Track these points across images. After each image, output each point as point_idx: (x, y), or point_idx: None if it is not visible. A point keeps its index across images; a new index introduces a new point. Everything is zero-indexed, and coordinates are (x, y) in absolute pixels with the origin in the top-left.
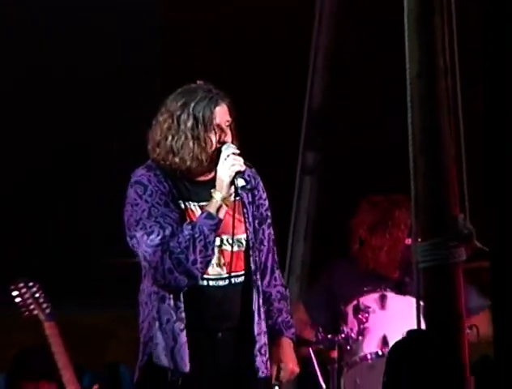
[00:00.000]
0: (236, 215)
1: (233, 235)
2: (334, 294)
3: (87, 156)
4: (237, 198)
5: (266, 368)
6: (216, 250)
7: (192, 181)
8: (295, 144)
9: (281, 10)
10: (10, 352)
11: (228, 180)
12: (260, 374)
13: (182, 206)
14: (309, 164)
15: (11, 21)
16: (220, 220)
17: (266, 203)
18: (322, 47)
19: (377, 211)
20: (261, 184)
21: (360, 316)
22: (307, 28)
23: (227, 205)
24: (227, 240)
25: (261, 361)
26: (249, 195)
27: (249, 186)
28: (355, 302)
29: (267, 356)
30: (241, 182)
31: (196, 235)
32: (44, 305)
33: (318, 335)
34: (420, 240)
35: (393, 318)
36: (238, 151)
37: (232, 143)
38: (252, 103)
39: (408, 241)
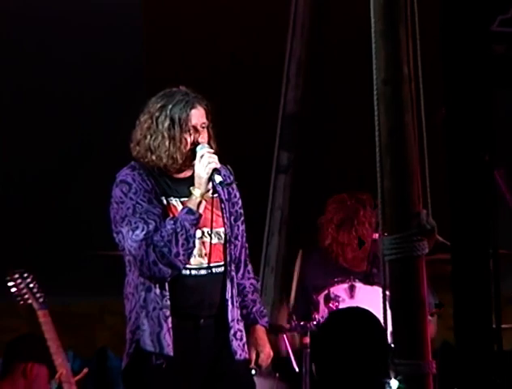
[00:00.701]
0: (215, 210)
1: (212, 228)
2: (306, 285)
3: (81, 159)
4: (215, 194)
5: (244, 351)
6: (198, 241)
7: (173, 179)
8: (270, 145)
9: (259, 24)
10: (5, 337)
11: (205, 177)
12: (238, 356)
13: (165, 202)
14: (283, 164)
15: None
16: (200, 215)
17: (240, 201)
18: (295, 57)
19: (343, 209)
20: (235, 191)
21: (330, 305)
22: (282, 41)
23: (205, 200)
24: (207, 232)
25: (237, 345)
26: (226, 192)
27: (226, 182)
28: (326, 292)
29: (244, 340)
30: (217, 178)
31: (178, 229)
32: (38, 295)
33: (292, 323)
34: (386, 234)
35: (361, 305)
36: (212, 151)
37: (209, 143)
38: (232, 108)
39: (375, 235)
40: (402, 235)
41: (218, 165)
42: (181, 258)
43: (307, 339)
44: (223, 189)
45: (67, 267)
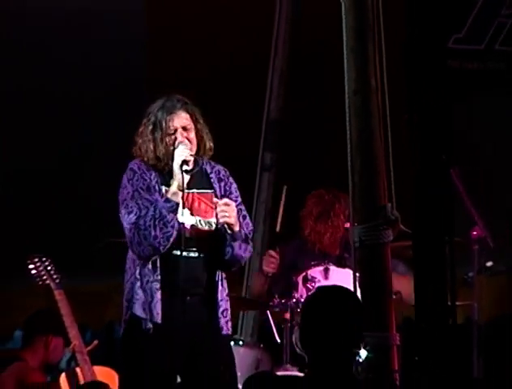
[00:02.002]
0: (209, 203)
1: (203, 218)
2: (287, 268)
3: (88, 157)
4: (211, 190)
5: (228, 328)
6: (191, 228)
7: (169, 172)
8: (256, 147)
9: (248, 40)
10: (26, 314)
11: (177, 169)
12: (223, 332)
13: (163, 190)
14: (267, 163)
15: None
16: (177, 203)
17: (236, 198)
18: (277, 70)
19: (321, 203)
20: (234, 186)
21: (308, 285)
22: (266, 56)
23: (182, 190)
24: (199, 221)
25: (224, 322)
26: (222, 190)
27: (195, 170)
28: (304, 274)
29: (228, 318)
30: (185, 167)
31: (156, 216)
32: (55, 276)
33: (275, 301)
34: (356, 224)
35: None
36: (189, 150)
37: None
38: (223, 114)
39: (347, 225)
40: (370, 225)
41: (188, 158)
42: (159, 240)
43: (287, 315)
44: (220, 186)
45: (80, 253)
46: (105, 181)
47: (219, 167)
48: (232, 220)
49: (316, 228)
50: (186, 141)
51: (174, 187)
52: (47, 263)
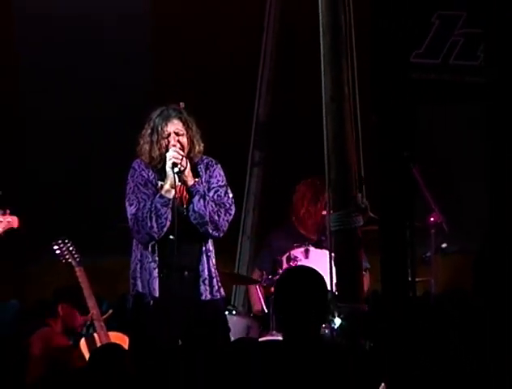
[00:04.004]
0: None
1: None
2: (273, 249)
3: (100, 161)
4: (197, 178)
5: (211, 294)
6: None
7: (164, 170)
8: (246, 145)
9: (238, 49)
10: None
11: (169, 170)
12: (203, 297)
13: (159, 185)
14: (256, 160)
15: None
16: (169, 199)
17: (220, 182)
18: (265, 80)
19: (314, 188)
20: (218, 171)
21: (291, 263)
22: (255, 64)
23: (174, 188)
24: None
25: (204, 289)
26: (208, 176)
27: (186, 170)
28: (287, 254)
29: (212, 286)
30: (175, 169)
31: (152, 209)
32: (76, 256)
33: (263, 277)
34: (332, 211)
35: (313, 264)
36: (178, 153)
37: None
38: (219, 118)
39: (324, 212)
40: (343, 212)
41: (177, 161)
42: (154, 230)
43: (273, 289)
44: (205, 173)
45: (97, 236)
46: (115, 176)
47: (208, 159)
48: (183, 166)
49: (309, 208)
50: (178, 144)
51: (167, 185)
52: (69, 245)
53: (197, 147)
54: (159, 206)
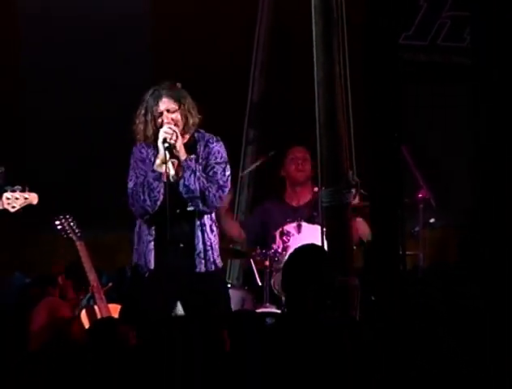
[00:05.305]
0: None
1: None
2: (267, 223)
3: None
4: (193, 155)
5: (206, 266)
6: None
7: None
8: (241, 124)
9: (232, 38)
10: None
11: (160, 145)
12: (197, 269)
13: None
14: (250, 138)
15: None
16: (160, 173)
17: (218, 159)
18: (259, 62)
19: (302, 151)
20: (216, 148)
21: (283, 238)
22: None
23: (165, 163)
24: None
25: (199, 262)
26: (206, 153)
27: (177, 144)
28: (280, 229)
29: (207, 259)
30: (166, 144)
31: (145, 183)
32: (77, 231)
33: (257, 251)
34: (323, 188)
35: (306, 239)
36: (171, 129)
37: (186, 120)
38: (215, 97)
39: (316, 188)
40: (334, 188)
41: (168, 137)
42: (148, 203)
43: (267, 262)
44: (204, 150)
45: (97, 212)
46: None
47: (210, 136)
48: (174, 140)
49: (298, 167)
50: (172, 121)
51: (158, 160)
52: (70, 220)
53: (191, 121)
54: (151, 180)
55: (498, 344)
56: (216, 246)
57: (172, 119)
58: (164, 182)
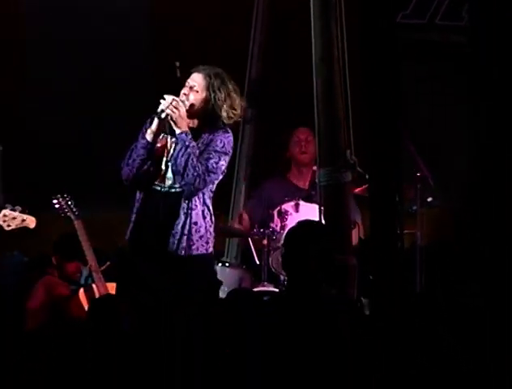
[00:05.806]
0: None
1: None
2: (265, 201)
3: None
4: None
5: (177, 249)
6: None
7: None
8: None
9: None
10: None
11: (155, 116)
12: (169, 249)
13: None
14: (248, 117)
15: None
16: (148, 142)
17: (217, 148)
18: (257, 42)
19: (306, 132)
20: (220, 138)
21: (282, 217)
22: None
23: (154, 133)
24: (166, 162)
25: (172, 242)
26: (207, 140)
27: (163, 115)
28: (278, 208)
29: (181, 242)
30: (163, 114)
31: (133, 148)
32: (74, 210)
33: (255, 230)
34: (321, 167)
35: (304, 218)
36: (169, 99)
37: (188, 101)
38: None
39: (314, 167)
40: (332, 168)
41: (164, 107)
42: (130, 166)
43: (265, 241)
44: (205, 137)
45: (95, 191)
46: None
47: (221, 128)
48: (175, 114)
49: (302, 149)
50: (184, 96)
51: (149, 131)
52: (68, 199)
53: (211, 112)
54: (138, 145)
55: (498, 342)
56: (201, 234)
57: (186, 95)
58: (155, 156)
